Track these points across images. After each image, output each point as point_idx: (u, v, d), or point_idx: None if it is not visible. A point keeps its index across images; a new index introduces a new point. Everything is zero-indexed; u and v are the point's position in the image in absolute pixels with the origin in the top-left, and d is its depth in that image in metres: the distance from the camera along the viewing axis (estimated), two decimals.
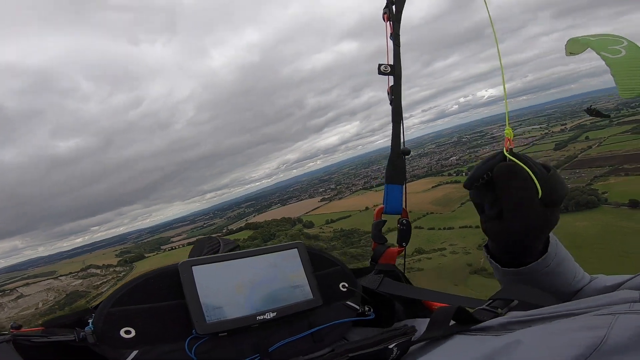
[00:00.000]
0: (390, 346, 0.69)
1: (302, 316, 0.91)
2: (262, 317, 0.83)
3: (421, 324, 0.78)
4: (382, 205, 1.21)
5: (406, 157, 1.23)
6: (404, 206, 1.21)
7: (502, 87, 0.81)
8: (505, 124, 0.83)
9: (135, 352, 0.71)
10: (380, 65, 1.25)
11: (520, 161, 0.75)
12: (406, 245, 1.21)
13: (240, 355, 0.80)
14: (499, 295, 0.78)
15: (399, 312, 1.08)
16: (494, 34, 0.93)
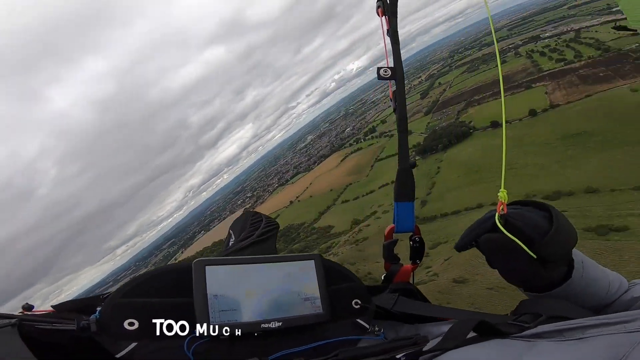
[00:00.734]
0: (398, 356, 0.68)
1: (309, 329, 0.89)
2: (266, 325, 0.83)
3: (437, 330, 0.79)
4: (392, 225, 1.17)
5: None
6: (415, 223, 1.16)
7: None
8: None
9: (133, 345, 0.71)
10: (379, 69, 1.13)
11: (514, 226, 0.71)
12: (420, 262, 1.18)
13: None
14: (524, 309, 0.75)
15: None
16: (493, 33, 0.94)
